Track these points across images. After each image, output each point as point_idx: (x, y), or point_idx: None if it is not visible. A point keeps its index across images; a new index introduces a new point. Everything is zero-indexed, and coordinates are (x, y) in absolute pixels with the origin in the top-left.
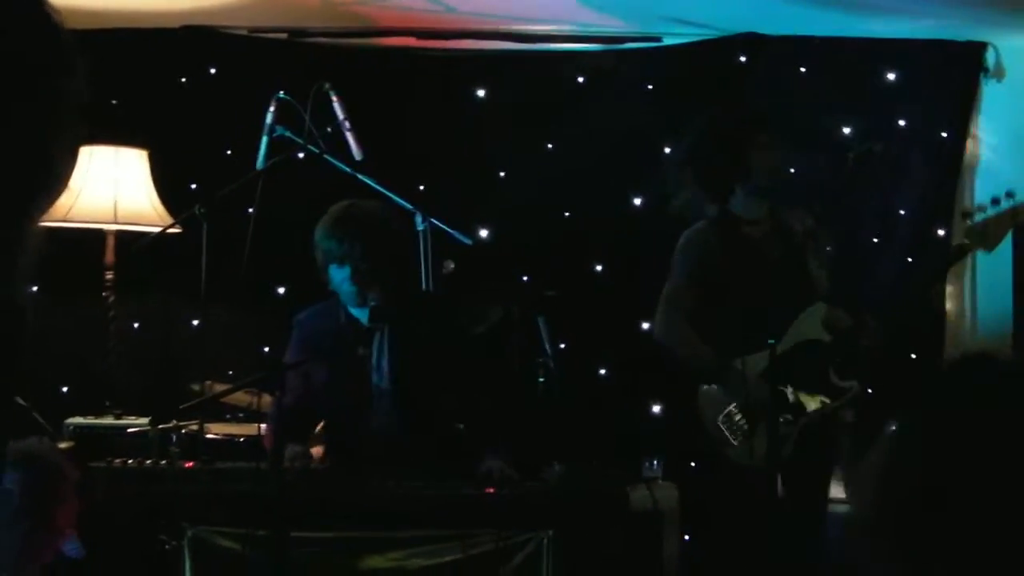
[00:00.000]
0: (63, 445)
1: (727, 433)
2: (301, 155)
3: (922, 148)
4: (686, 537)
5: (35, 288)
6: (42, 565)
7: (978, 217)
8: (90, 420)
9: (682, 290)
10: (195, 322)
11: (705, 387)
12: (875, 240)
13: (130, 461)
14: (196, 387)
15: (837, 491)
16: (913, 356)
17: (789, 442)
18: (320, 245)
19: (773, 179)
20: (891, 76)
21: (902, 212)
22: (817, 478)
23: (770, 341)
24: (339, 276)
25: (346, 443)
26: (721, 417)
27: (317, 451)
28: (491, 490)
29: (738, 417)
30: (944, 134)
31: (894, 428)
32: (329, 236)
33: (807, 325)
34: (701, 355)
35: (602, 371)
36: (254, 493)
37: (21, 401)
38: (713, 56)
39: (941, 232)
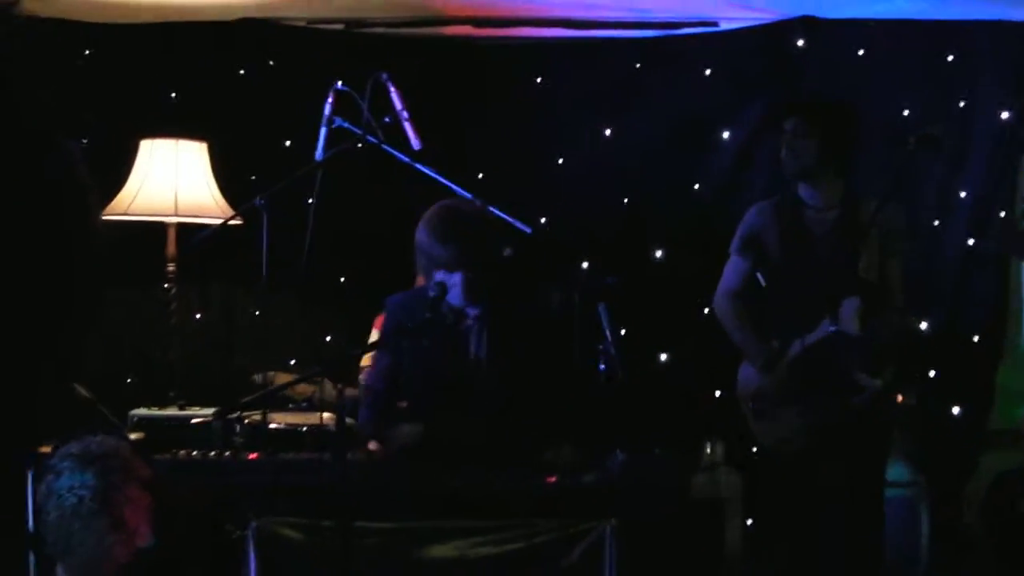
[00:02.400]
0: (133, 436)
1: (758, 415)
2: (360, 145)
3: (982, 129)
4: (749, 523)
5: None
6: (120, 567)
7: None
8: (154, 411)
9: (732, 263)
10: (256, 312)
11: (742, 369)
12: (936, 223)
13: (195, 452)
14: (258, 377)
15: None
16: (976, 340)
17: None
18: (425, 251)
19: (796, 167)
20: (950, 58)
21: (963, 194)
22: (866, 462)
23: (830, 328)
24: (449, 280)
25: (437, 427)
26: (753, 398)
27: (374, 446)
28: (553, 479)
29: (765, 401)
30: (1004, 115)
31: None
32: (437, 242)
33: (842, 317)
34: (742, 334)
35: (663, 357)
36: (318, 483)
37: (87, 393)
38: (770, 40)
39: (1003, 213)
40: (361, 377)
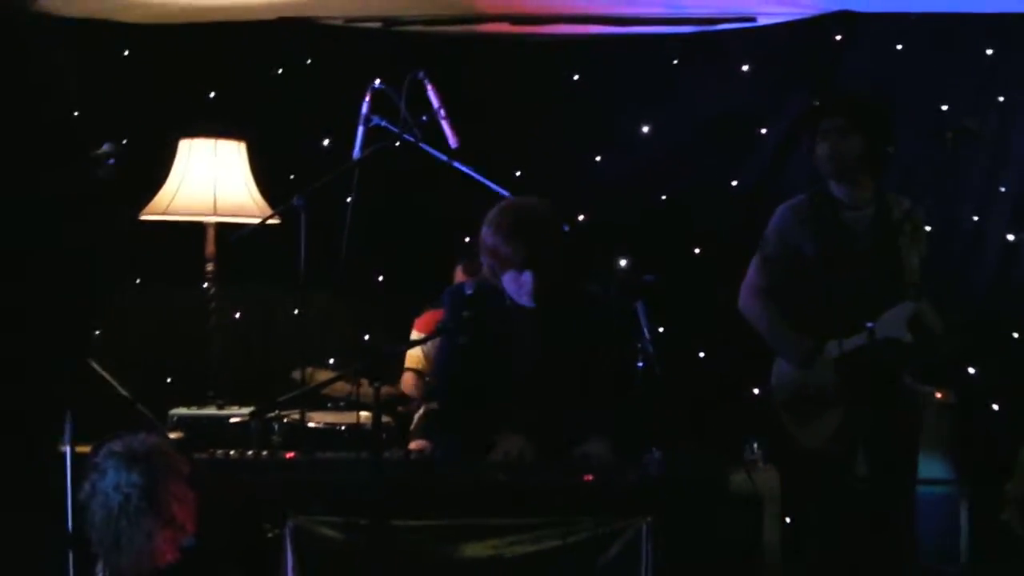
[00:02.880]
0: (173, 435)
1: (794, 414)
2: (397, 144)
3: (1021, 122)
4: (787, 521)
5: (138, 280)
6: (169, 565)
7: None
8: (193, 410)
9: (762, 262)
10: (295, 311)
11: (777, 366)
12: (975, 218)
13: (232, 452)
14: (297, 373)
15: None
16: (1015, 336)
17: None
18: (491, 249)
19: (837, 165)
20: (989, 51)
21: (1003, 189)
22: (900, 462)
23: (868, 324)
24: (518, 279)
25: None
26: (790, 398)
27: (416, 445)
28: (590, 477)
29: (808, 401)
30: None
31: None
32: (505, 242)
33: (891, 323)
34: (781, 338)
35: (702, 355)
36: (355, 483)
37: (126, 393)
38: (808, 35)
39: None
40: (409, 381)
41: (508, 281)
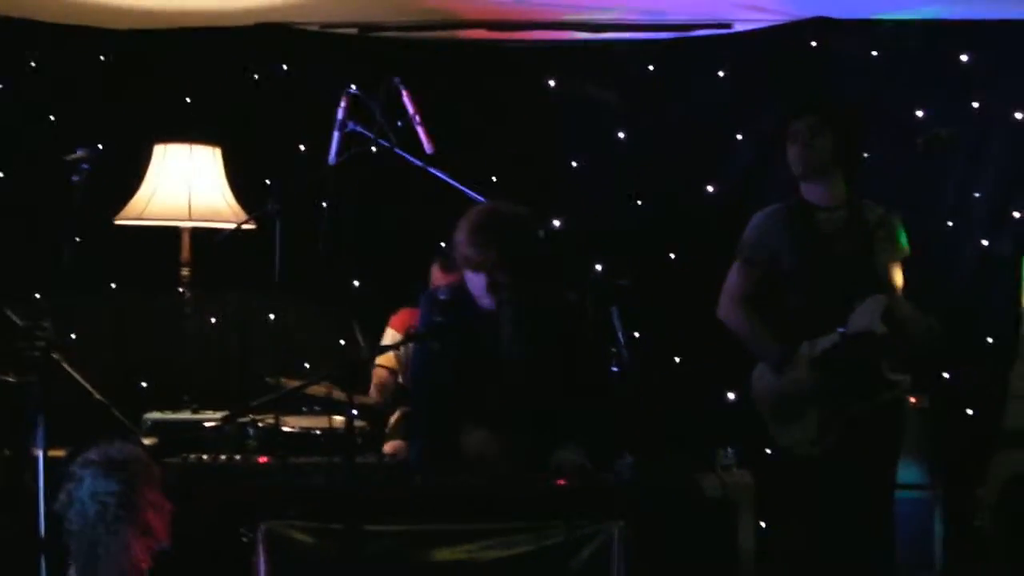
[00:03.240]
0: (147, 441)
1: (776, 417)
2: (373, 150)
3: (996, 130)
4: (762, 525)
5: (113, 285)
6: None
7: None
8: (168, 415)
9: (740, 269)
10: (271, 316)
11: (758, 370)
12: (950, 224)
13: (204, 456)
14: (271, 381)
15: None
16: (990, 340)
17: (836, 430)
18: (458, 248)
19: (810, 165)
20: (964, 58)
21: (977, 195)
22: (877, 466)
23: (840, 329)
24: (475, 280)
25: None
26: (771, 401)
27: (391, 447)
28: (562, 482)
29: (788, 402)
30: (1019, 115)
31: None
32: (468, 242)
33: (865, 316)
34: (758, 341)
35: (677, 359)
36: (328, 487)
37: (100, 397)
38: (784, 41)
39: (1016, 214)
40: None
41: (471, 282)
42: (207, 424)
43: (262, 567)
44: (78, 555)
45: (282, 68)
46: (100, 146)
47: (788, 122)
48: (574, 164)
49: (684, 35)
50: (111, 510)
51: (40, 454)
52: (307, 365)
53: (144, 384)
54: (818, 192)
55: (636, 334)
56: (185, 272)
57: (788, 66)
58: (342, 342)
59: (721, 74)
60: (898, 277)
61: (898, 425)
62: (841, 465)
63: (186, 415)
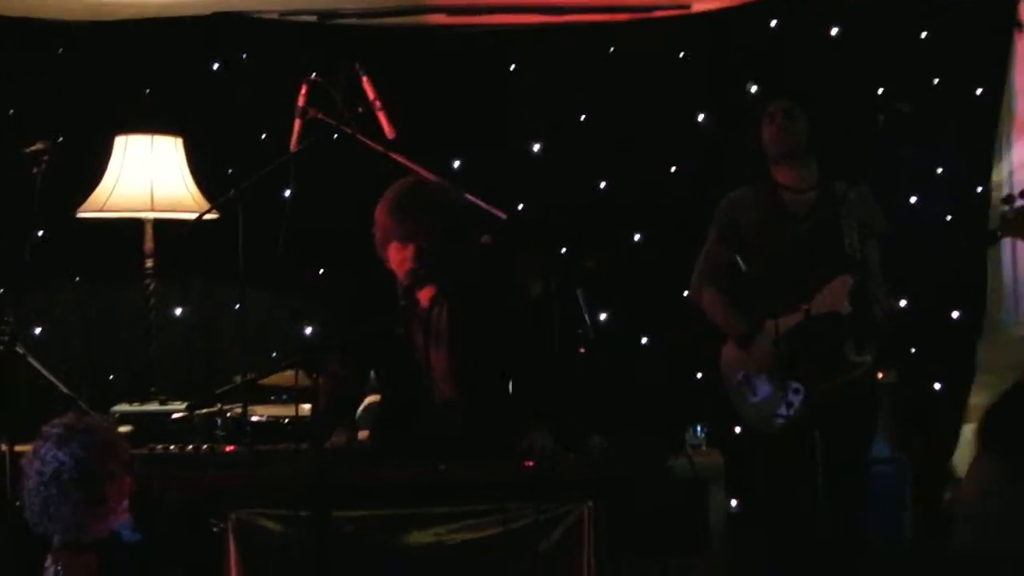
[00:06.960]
0: (123, 429)
1: (742, 396)
2: (334, 136)
3: (958, 105)
4: (733, 503)
5: (77, 278)
6: (97, 540)
7: (1017, 204)
8: (135, 407)
9: (711, 250)
10: (236, 306)
11: (725, 349)
12: (913, 200)
13: (172, 447)
14: (237, 378)
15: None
16: (955, 316)
17: (803, 407)
18: (380, 223)
19: (784, 148)
20: (924, 34)
21: (940, 170)
22: (852, 438)
23: (805, 307)
24: (400, 256)
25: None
26: (738, 379)
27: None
28: (530, 464)
29: (754, 380)
30: (980, 90)
31: None
32: (391, 214)
33: (830, 296)
34: (725, 316)
35: (644, 340)
36: (295, 475)
37: (67, 390)
38: (743, 21)
39: (980, 188)
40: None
41: (396, 260)
42: (175, 415)
43: (232, 556)
44: (31, 508)
45: (242, 56)
46: (60, 139)
47: (759, 101)
48: (536, 147)
49: (644, 16)
50: (66, 471)
51: (3, 448)
52: (273, 354)
53: (111, 377)
54: (791, 174)
55: (603, 315)
56: (149, 263)
57: (748, 46)
58: (307, 330)
59: (681, 55)
60: (873, 257)
61: (868, 404)
62: (809, 441)
63: (154, 407)
